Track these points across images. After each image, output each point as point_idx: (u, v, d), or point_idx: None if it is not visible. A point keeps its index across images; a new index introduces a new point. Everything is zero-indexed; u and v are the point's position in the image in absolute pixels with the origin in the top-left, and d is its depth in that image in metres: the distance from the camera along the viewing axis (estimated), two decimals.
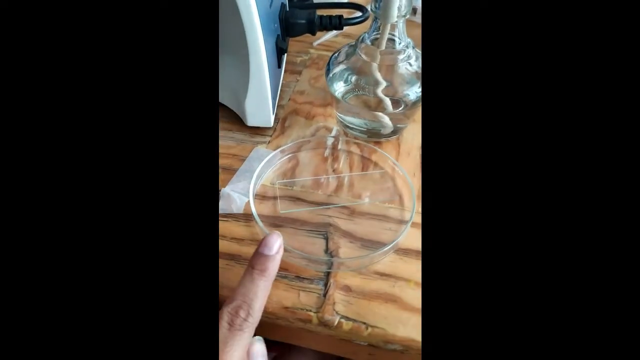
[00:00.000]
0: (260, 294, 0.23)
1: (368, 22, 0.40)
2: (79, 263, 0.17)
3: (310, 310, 0.27)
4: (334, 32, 0.52)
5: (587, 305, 0.16)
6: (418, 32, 0.45)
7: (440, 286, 0.17)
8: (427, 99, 0.18)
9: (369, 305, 0.28)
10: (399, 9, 0.32)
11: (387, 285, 0.29)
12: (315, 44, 0.52)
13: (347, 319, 0.27)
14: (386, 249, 0.29)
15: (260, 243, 0.25)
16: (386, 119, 0.37)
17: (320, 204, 0.34)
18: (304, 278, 0.29)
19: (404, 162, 0.38)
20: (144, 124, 0.17)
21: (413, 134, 0.40)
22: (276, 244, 0.25)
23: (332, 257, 0.30)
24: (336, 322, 0.27)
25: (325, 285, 0.29)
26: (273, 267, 0.24)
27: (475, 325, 0.17)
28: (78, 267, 0.17)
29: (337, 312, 0.27)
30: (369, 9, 0.34)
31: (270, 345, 0.27)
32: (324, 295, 0.28)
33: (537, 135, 0.17)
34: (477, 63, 0.17)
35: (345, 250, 0.30)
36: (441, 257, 0.17)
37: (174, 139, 0.18)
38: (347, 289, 0.28)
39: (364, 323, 0.27)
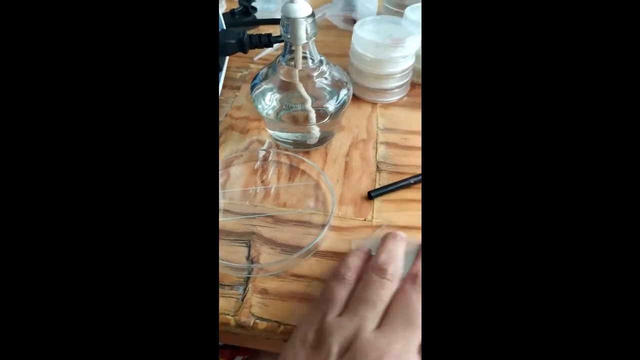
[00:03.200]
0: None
1: None
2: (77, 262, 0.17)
3: (228, 314, 0.30)
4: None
5: (586, 311, 0.16)
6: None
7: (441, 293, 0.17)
8: (428, 99, 0.19)
9: (284, 305, 0.30)
10: (306, 31, 0.35)
11: (303, 286, 0.31)
12: (255, 58, 0.55)
13: (262, 319, 0.30)
14: (302, 252, 0.32)
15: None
16: (316, 130, 0.40)
17: (246, 214, 0.37)
18: (225, 285, 0.32)
19: (329, 170, 0.40)
20: (156, 138, 0.18)
21: (341, 142, 0.43)
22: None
23: (252, 263, 0.33)
24: (251, 324, 0.29)
25: (245, 290, 0.31)
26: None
27: (475, 332, 0.17)
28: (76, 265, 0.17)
29: (253, 314, 0.30)
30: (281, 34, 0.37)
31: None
32: (242, 299, 0.31)
33: (538, 138, 0.17)
34: (477, 63, 0.17)
35: (266, 256, 0.33)
36: (442, 260, 0.18)
37: (175, 141, 0.18)
38: (265, 292, 0.31)
39: (277, 322, 0.29)
